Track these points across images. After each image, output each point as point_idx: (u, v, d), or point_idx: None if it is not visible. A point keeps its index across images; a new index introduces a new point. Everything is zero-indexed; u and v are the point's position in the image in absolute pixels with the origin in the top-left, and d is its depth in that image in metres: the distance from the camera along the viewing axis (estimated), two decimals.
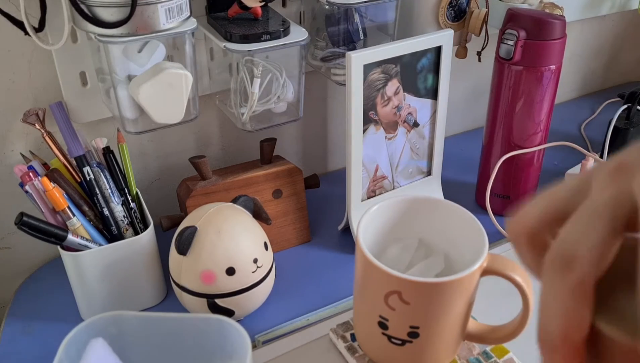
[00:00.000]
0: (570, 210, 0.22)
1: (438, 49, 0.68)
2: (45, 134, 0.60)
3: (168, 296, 0.65)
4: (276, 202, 0.71)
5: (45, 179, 0.55)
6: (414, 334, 0.48)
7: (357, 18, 0.69)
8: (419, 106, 0.70)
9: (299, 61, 0.64)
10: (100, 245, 0.59)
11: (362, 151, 0.67)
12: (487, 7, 0.74)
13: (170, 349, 0.50)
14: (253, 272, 0.58)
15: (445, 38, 0.68)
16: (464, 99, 0.97)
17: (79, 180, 0.62)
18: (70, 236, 0.56)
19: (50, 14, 0.57)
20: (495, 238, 0.69)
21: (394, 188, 0.74)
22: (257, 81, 0.62)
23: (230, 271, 0.56)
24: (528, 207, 0.25)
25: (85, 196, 0.62)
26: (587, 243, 0.21)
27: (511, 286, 0.47)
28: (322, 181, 0.79)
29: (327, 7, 0.67)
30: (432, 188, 0.77)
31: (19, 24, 0.56)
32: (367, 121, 0.66)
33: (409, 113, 0.70)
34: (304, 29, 0.63)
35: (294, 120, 0.68)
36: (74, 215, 0.57)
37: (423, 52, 0.67)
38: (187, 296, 0.58)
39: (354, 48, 0.70)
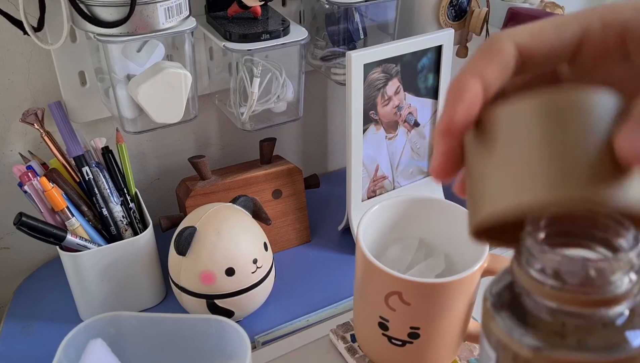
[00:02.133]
0: None
1: (439, 49, 0.68)
2: (44, 134, 0.60)
3: (167, 296, 0.65)
4: (276, 202, 0.71)
5: (44, 179, 0.55)
6: (414, 335, 0.48)
7: (357, 17, 0.68)
8: (420, 106, 0.70)
9: (298, 60, 0.64)
10: (99, 245, 0.59)
11: (363, 151, 0.67)
12: (488, 6, 0.74)
13: (170, 350, 0.50)
14: (253, 273, 0.57)
15: (445, 37, 0.67)
16: None
17: (77, 180, 0.62)
18: (69, 237, 0.56)
19: (49, 14, 0.57)
20: None
21: (394, 188, 0.73)
22: (256, 81, 0.62)
23: (230, 271, 0.56)
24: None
25: (84, 196, 0.62)
26: None
27: None
28: (322, 181, 0.79)
29: (327, 6, 0.66)
30: (433, 188, 0.76)
31: (18, 24, 0.56)
32: (367, 120, 0.66)
33: (410, 113, 0.70)
34: (304, 28, 0.63)
35: (293, 120, 0.68)
36: (72, 215, 0.57)
37: (423, 52, 0.67)
38: (187, 296, 0.58)
39: (354, 47, 0.69)
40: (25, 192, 0.57)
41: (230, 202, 0.61)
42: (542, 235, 0.27)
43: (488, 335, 0.28)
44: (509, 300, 0.28)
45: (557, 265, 0.25)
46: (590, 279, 0.25)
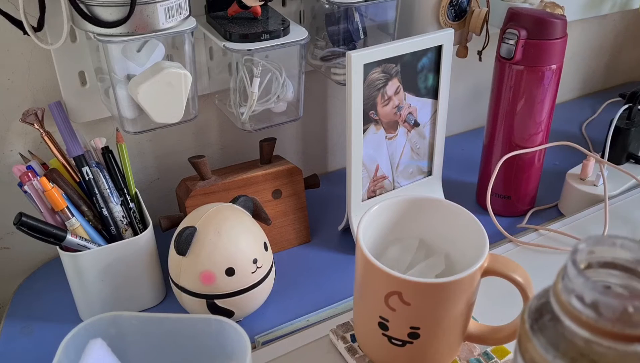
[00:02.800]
0: None
1: (439, 49, 0.68)
2: (44, 134, 0.60)
3: (167, 296, 0.65)
4: (276, 202, 0.71)
5: (44, 179, 0.55)
6: (414, 335, 0.48)
7: (357, 17, 0.68)
8: (420, 106, 0.70)
9: (298, 60, 0.64)
10: (99, 245, 0.59)
11: (363, 151, 0.67)
12: (488, 6, 0.74)
13: (170, 350, 0.50)
14: (253, 273, 0.57)
15: (445, 37, 0.67)
16: (464, 99, 0.97)
17: (77, 180, 0.62)
18: (69, 237, 0.56)
19: (49, 14, 0.57)
20: (496, 238, 0.69)
21: (394, 188, 0.73)
22: (256, 81, 0.62)
23: (230, 271, 0.56)
24: None
25: (84, 196, 0.62)
26: None
27: (512, 287, 0.47)
28: (322, 181, 0.79)
29: (327, 6, 0.66)
30: (433, 188, 0.76)
31: (18, 24, 0.56)
32: (367, 120, 0.66)
33: (410, 113, 0.70)
34: (304, 28, 0.63)
35: (293, 120, 0.68)
36: (73, 215, 0.57)
37: (423, 52, 0.67)
38: (187, 296, 0.58)
39: (354, 47, 0.69)
40: (25, 192, 0.57)
41: (230, 202, 0.61)
42: (584, 264, 0.27)
43: (523, 352, 0.30)
44: (546, 320, 0.29)
45: (595, 296, 0.26)
46: (628, 315, 0.25)
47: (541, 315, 0.29)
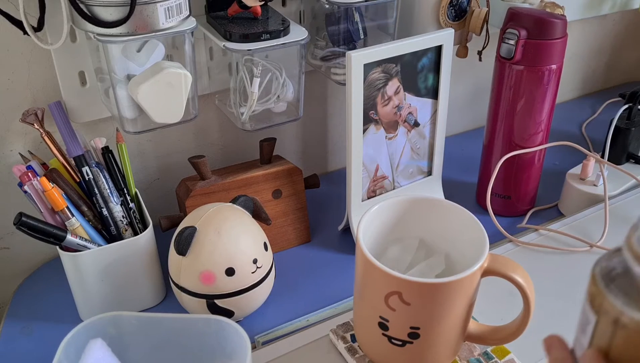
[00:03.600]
0: None
1: (439, 49, 0.68)
2: (44, 134, 0.60)
3: (167, 296, 0.65)
4: (276, 202, 0.71)
5: (44, 179, 0.55)
6: (414, 335, 0.48)
7: (357, 17, 0.68)
8: (420, 106, 0.70)
9: (298, 60, 0.64)
10: (99, 245, 0.59)
11: (363, 151, 0.67)
12: (488, 6, 0.74)
13: (170, 350, 0.50)
14: (253, 273, 0.58)
15: (445, 37, 0.67)
16: (464, 99, 0.97)
17: (77, 180, 0.62)
18: (69, 237, 0.56)
19: (49, 14, 0.57)
20: (495, 238, 0.69)
21: (394, 188, 0.73)
22: (256, 81, 0.62)
23: (230, 271, 0.56)
24: None
25: (84, 196, 0.62)
26: None
27: (512, 287, 0.47)
28: (322, 181, 0.79)
29: (327, 6, 0.67)
30: (433, 188, 0.76)
31: (18, 24, 0.56)
32: (367, 120, 0.66)
33: (410, 113, 0.70)
34: (304, 28, 0.63)
35: (293, 120, 0.68)
36: (73, 215, 0.57)
37: (423, 52, 0.67)
38: (187, 296, 0.58)
39: (354, 47, 0.69)
40: (25, 192, 0.57)
41: (230, 202, 0.61)
42: None
43: (592, 299, 0.31)
44: (617, 271, 0.30)
45: None
46: None
47: (613, 265, 0.31)
